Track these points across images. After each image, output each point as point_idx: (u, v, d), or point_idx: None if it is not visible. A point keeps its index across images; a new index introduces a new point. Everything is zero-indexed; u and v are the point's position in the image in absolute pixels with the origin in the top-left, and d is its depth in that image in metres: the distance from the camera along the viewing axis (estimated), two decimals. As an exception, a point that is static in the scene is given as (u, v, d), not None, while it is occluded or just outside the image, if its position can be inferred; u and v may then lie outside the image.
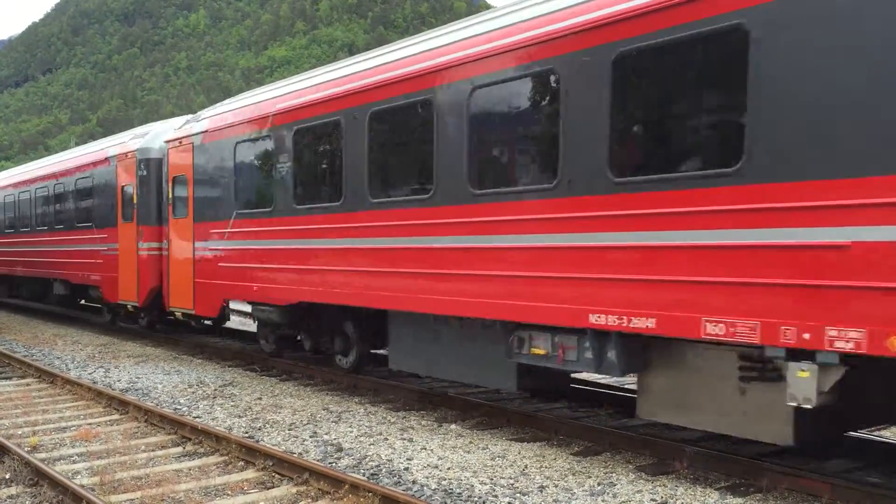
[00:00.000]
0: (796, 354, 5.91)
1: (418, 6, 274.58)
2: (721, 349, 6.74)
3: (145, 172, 16.16)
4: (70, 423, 9.42)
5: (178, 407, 10.24)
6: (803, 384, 5.88)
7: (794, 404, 5.98)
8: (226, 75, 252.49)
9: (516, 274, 7.95)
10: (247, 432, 8.86)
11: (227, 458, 7.82)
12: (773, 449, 7.67)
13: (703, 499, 6.50)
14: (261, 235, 12.26)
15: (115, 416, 9.79)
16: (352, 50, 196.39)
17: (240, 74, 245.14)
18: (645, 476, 7.15)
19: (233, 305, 16.01)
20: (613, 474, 7.20)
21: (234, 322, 19.73)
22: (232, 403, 10.50)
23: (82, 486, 6.62)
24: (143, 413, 9.58)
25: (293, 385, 11.91)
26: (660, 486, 6.86)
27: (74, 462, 7.70)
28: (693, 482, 6.97)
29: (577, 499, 6.52)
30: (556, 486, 6.84)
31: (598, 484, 6.91)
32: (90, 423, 9.35)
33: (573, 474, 7.22)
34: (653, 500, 6.48)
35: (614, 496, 6.58)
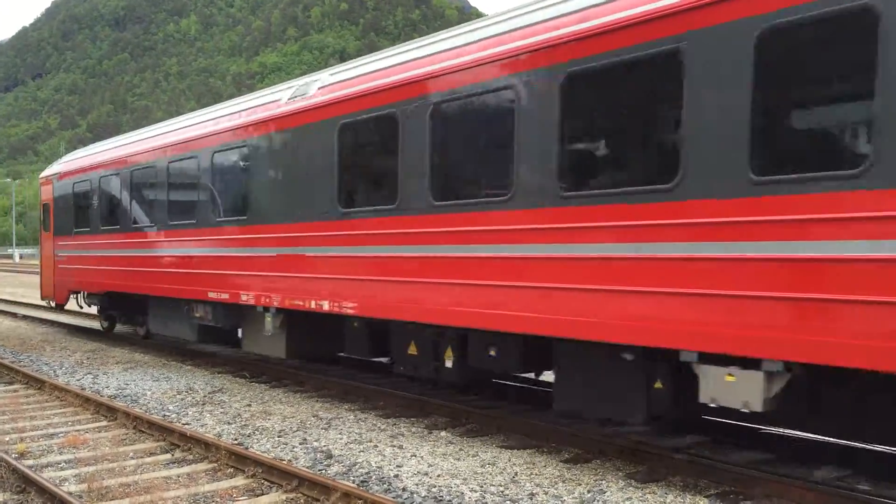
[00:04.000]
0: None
1: (410, 13, 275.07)
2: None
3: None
4: (58, 429, 9.36)
5: (167, 413, 10.20)
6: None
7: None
8: (216, 81, 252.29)
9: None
10: (236, 439, 8.83)
11: (216, 465, 7.79)
12: (765, 458, 7.70)
13: (692, 506, 6.51)
14: None
15: (104, 423, 9.74)
16: (343, 56, 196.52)
17: (231, 80, 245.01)
18: (635, 484, 7.15)
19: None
20: (603, 482, 7.20)
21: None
22: (221, 410, 10.46)
23: (70, 494, 6.58)
24: (131, 420, 9.54)
25: (283, 392, 11.88)
26: (650, 493, 6.86)
27: (62, 469, 7.66)
28: (683, 490, 6.97)
29: (567, 506, 6.52)
30: (546, 494, 6.83)
31: (588, 491, 6.90)
32: (78, 430, 9.30)
33: (563, 481, 7.22)
34: (643, 507, 6.49)
35: (604, 503, 6.58)
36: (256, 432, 9.18)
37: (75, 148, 27.00)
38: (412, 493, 6.87)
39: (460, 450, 8.38)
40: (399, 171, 9.30)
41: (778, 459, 7.66)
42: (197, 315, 13.97)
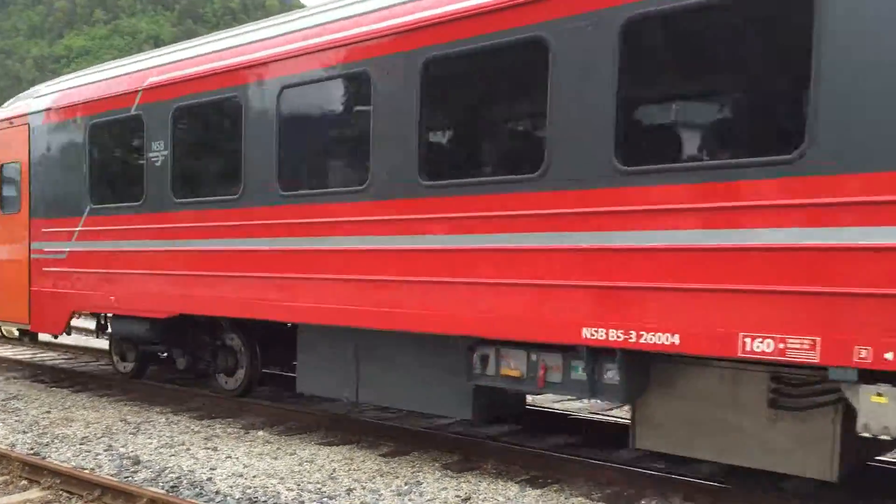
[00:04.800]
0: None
1: (229, 2, 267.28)
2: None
3: None
4: None
5: (-47, 424, 9.34)
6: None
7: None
8: (15, 64, 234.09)
9: None
10: (32, 449, 8.22)
11: (7, 477, 7.21)
12: (572, 441, 8.09)
13: (504, 492, 6.72)
14: None
15: None
16: (157, 43, 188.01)
17: (32, 63, 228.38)
18: (450, 473, 7.29)
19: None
20: (420, 473, 7.30)
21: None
22: (16, 418, 9.70)
23: None
24: None
25: (87, 396, 11.17)
26: (464, 482, 7.02)
27: None
28: (496, 477, 7.18)
29: (384, 500, 6.54)
30: (364, 489, 6.83)
31: (405, 484, 6.97)
32: None
33: (381, 475, 7.24)
34: (457, 496, 6.62)
35: (421, 495, 6.66)
36: (56, 440, 8.58)
37: None
38: (226, 495, 6.66)
39: (278, 449, 8.22)
40: None
41: (584, 443, 8.07)
42: (500, 372, 6.95)
